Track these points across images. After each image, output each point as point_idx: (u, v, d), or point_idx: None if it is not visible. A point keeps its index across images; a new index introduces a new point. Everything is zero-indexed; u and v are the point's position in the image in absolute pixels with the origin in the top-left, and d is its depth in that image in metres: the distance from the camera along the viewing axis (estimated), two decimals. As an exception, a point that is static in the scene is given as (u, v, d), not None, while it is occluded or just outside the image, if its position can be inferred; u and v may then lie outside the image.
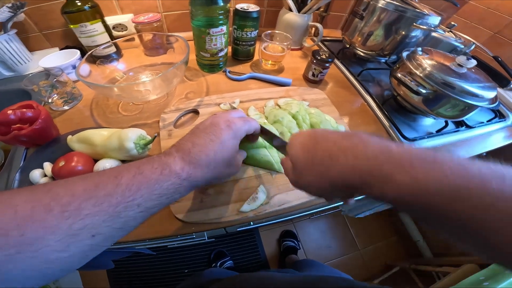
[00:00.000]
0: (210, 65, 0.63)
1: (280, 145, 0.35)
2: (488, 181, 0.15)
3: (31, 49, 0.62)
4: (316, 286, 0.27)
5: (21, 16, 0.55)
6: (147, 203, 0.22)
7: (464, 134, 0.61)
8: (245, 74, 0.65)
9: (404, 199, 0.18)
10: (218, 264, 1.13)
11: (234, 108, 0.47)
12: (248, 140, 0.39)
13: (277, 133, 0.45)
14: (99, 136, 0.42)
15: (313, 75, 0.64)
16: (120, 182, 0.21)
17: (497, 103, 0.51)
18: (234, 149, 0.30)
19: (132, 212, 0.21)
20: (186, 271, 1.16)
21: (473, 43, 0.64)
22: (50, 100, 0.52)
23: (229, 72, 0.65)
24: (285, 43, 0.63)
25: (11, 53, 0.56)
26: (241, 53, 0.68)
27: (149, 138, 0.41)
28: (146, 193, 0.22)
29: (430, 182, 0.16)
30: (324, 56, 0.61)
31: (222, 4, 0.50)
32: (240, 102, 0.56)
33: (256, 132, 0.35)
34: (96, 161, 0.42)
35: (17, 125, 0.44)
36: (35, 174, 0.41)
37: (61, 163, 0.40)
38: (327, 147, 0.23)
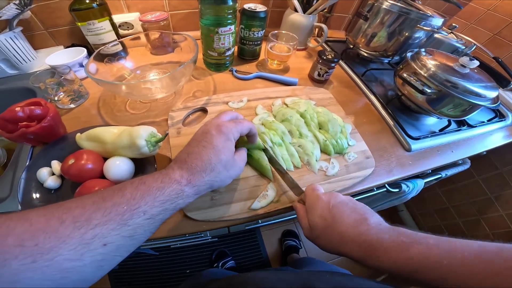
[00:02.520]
0: (216, 64, 0.64)
1: (294, 187, 0.40)
2: (441, 260, 0.23)
3: (35, 47, 0.62)
4: (309, 281, 0.29)
5: (27, 14, 0.55)
6: (152, 210, 0.24)
7: (465, 133, 0.62)
8: (251, 73, 0.65)
9: (389, 271, 0.26)
10: (220, 264, 1.13)
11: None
12: (247, 140, 0.39)
13: (284, 165, 0.46)
14: (109, 133, 0.42)
15: (319, 75, 0.65)
16: (124, 193, 0.23)
17: (498, 102, 0.53)
18: (229, 151, 0.31)
19: (139, 219, 0.22)
20: (188, 271, 1.16)
21: (474, 44, 0.66)
22: (56, 98, 0.52)
23: (235, 71, 0.65)
24: (292, 43, 0.64)
25: (15, 51, 0.56)
26: (247, 52, 0.69)
27: (160, 135, 0.41)
28: (150, 200, 0.24)
29: (402, 264, 0.25)
30: (330, 56, 0.61)
31: (231, 3, 0.51)
32: (248, 101, 0.56)
33: (251, 132, 0.36)
34: (105, 159, 0.41)
35: (24, 123, 0.43)
36: (43, 173, 0.40)
37: (71, 161, 0.39)
38: (341, 232, 0.29)
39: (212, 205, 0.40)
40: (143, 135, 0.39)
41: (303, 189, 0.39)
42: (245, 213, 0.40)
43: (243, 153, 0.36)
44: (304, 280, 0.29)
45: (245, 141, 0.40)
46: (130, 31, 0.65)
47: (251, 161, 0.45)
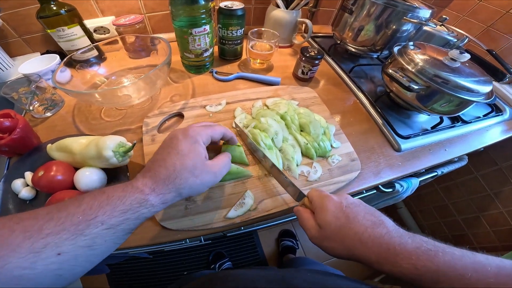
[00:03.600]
0: (196, 66, 0.62)
1: (288, 185, 0.38)
2: (466, 273, 0.22)
3: (12, 54, 0.61)
4: (290, 278, 0.28)
5: (-2, 22, 0.53)
6: (112, 220, 0.23)
7: (460, 130, 0.59)
8: (232, 74, 0.63)
9: (406, 277, 0.24)
10: (217, 265, 1.12)
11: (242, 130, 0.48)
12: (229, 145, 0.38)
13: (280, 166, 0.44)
14: (78, 144, 0.40)
15: (303, 73, 0.63)
16: (81, 203, 0.23)
17: (493, 97, 0.50)
18: (196, 155, 0.29)
19: (96, 229, 0.22)
20: (185, 273, 1.16)
21: (466, 36, 0.62)
22: (31, 108, 0.50)
23: (216, 72, 0.63)
24: (273, 41, 0.61)
25: (-10, 60, 0.55)
26: (228, 52, 0.67)
27: (129, 145, 0.40)
28: (108, 210, 0.23)
29: (425, 272, 0.23)
30: (313, 53, 0.59)
31: (203, 2, 0.48)
32: (227, 103, 0.54)
33: (226, 136, 0.35)
34: (77, 169, 0.40)
35: (-2, 135, 0.43)
36: (17, 184, 0.40)
37: (40, 173, 0.38)
38: (358, 232, 0.27)
39: (187, 214, 0.38)
40: (110, 146, 0.38)
41: (302, 191, 0.37)
42: (220, 222, 0.38)
43: (223, 158, 0.33)
44: (283, 277, 0.28)
45: (228, 146, 0.39)
46: (106, 35, 0.63)
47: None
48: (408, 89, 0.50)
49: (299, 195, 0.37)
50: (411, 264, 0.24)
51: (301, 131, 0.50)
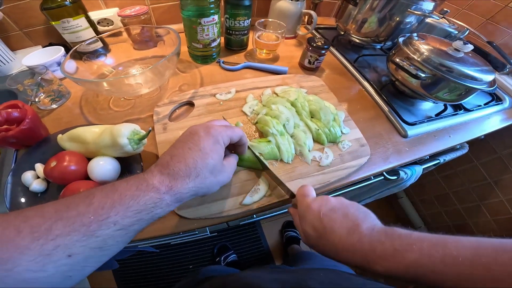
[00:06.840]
0: (203, 56, 0.62)
1: (284, 189, 0.39)
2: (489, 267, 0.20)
3: (13, 48, 0.60)
4: (303, 280, 0.28)
5: (0, 15, 0.52)
6: (124, 221, 0.22)
7: (462, 118, 0.61)
8: (240, 64, 0.63)
9: (391, 277, 0.24)
10: (222, 258, 1.12)
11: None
12: (235, 152, 0.38)
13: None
14: (91, 133, 0.40)
15: (309, 62, 0.63)
16: (92, 201, 0.21)
17: (495, 86, 0.51)
18: (217, 155, 0.29)
19: (108, 230, 0.21)
20: (191, 267, 1.16)
21: (467, 29, 0.64)
22: (37, 99, 0.50)
23: (223, 62, 0.63)
24: (280, 31, 0.62)
25: (-9, 53, 0.54)
26: (234, 43, 0.67)
27: (143, 132, 0.40)
28: (121, 210, 0.21)
29: (398, 272, 0.24)
30: (319, 43, 0.59)
31: (212, -8, 0.48)
32: (236, 91, 0.54)
33: (241, 141, 0.34)
34: (90, 159, 0.40)
35: (4, 126, 0.42)
36: (27, 176, 0.39)
37: (53, 163, 0.38)
38: (334, 243, 0.28)
39: (203, 202, 0.38)
40: (125, 133, 0.38)
41: (291, 189, 0.38)
42: (237, 209, 0.39)
43: (232, 160, 0.34)
44: (297, 279, 0.28)
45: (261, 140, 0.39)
46: (110, 27, 0.63)
47: (239, 163, 0.42)
48: (416, 77, 0.51)
49: (291, 195, 0.38)
50: (384, 267, 0.24)
51: (312, 117, 0.50)
